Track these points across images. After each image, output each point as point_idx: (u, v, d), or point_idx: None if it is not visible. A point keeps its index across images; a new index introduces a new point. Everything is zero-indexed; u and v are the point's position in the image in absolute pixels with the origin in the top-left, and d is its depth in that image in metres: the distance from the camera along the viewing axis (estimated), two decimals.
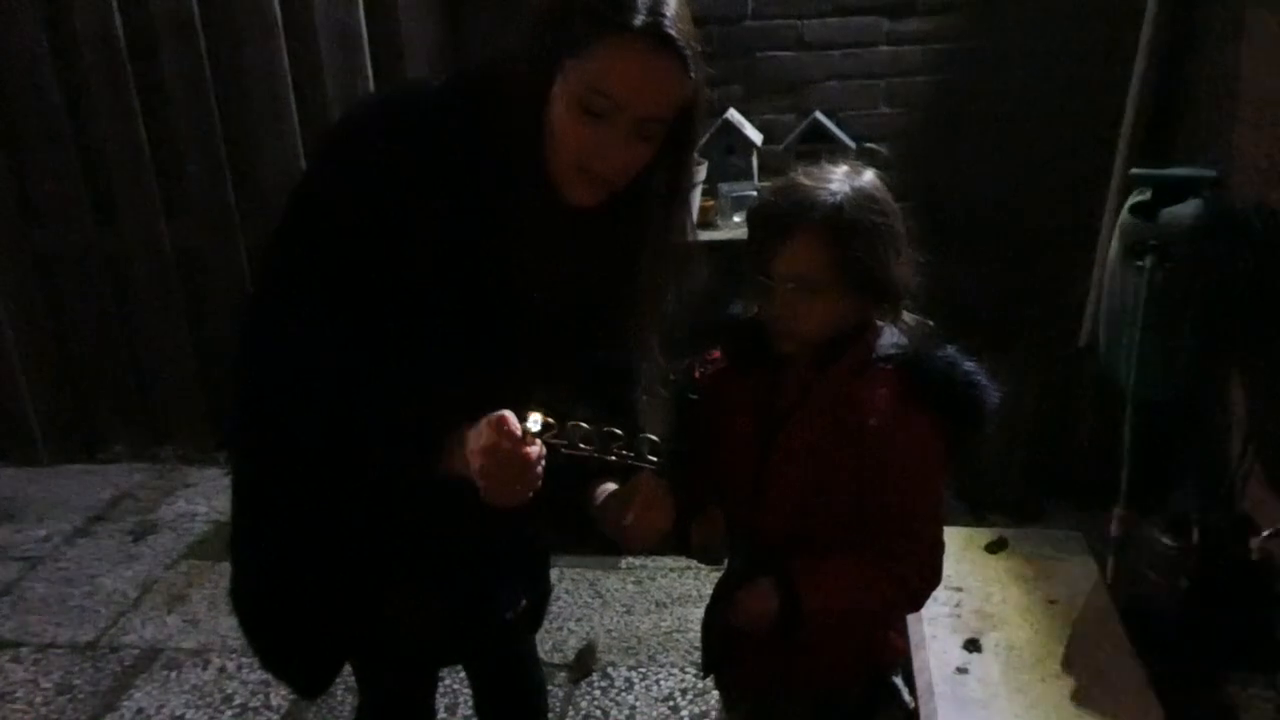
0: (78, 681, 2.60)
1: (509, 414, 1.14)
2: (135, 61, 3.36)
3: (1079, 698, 2.03)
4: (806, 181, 1.27)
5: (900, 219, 1.29)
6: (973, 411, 1.29)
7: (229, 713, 2.46)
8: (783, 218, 1.25)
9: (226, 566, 1.44)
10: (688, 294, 1.34)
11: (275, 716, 2.44)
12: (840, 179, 1.26)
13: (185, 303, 3.64)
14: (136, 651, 2.71)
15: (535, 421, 1.16)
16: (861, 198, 1.25)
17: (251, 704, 2.49)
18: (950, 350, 1.31)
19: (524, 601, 1.62)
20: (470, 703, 2.40)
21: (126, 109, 3.40)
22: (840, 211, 1.23)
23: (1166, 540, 2.19)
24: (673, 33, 1.11)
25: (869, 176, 1.29)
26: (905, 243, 1.30)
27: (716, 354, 1.45)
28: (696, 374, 1.45)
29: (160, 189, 3.51)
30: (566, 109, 1.13)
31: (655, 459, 1.24)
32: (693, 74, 1.15)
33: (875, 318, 1.34)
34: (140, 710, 2.48)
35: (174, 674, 2.61)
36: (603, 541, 1.36)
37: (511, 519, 1.22)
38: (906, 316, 1.36)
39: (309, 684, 1.53)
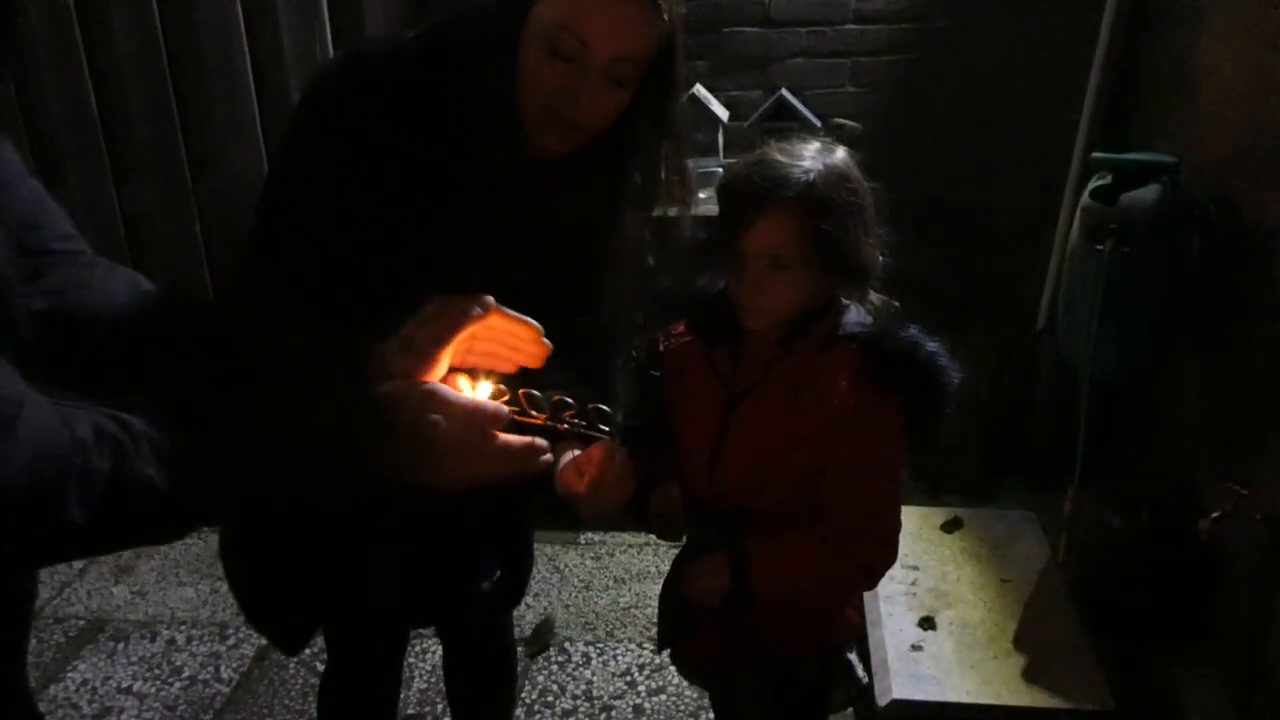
0: None
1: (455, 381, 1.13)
2: (82, 19, 3.26)
3: (1030, 675, 2.07)
4: (780, 157, 1.26)
5: (870, 198, 1.29)
6: (934, 392, 1.30)
7: (178, 685, 2.43)
8: (755, 193, 1.24)
9: None
10: (666, 257, 1.32)
11: (225, 689, 2.41)
12: (813, 156, 1.26)
13: (135, 270, 3.55)
14: (82, 622, 2.66)
15: (484, 390, 1.14)
16: (834, 175, 1.25)
17: (201, 676, 2.45)
18: (913, 330, 1.31)
19: (499, 574, 1.60)
20: (423, 675, 2.41)
21: (73, 68, 3.30)
22: (813, 189, 1.23)
23: (1117, 521, 2.22)
24: None
25: (841, 154, 1.29)
26: (874, 222, 1.30)
27: (681, 328, 1.44)
28: (660, 347, 1.44)
29: (109, 152, 3.42)
30: (535, 51, 1.11)
31: (605, 429, 1.23)
32: (665, 14, 1.12)
33: (842, 296, 1.34)
34: (85, 682, 2.44)
35: (121, 645, 2.57)
36: (560, 508, 1.34)
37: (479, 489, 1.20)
38: (872, 296, 1.36)
39: (290, 640, 1.52)
